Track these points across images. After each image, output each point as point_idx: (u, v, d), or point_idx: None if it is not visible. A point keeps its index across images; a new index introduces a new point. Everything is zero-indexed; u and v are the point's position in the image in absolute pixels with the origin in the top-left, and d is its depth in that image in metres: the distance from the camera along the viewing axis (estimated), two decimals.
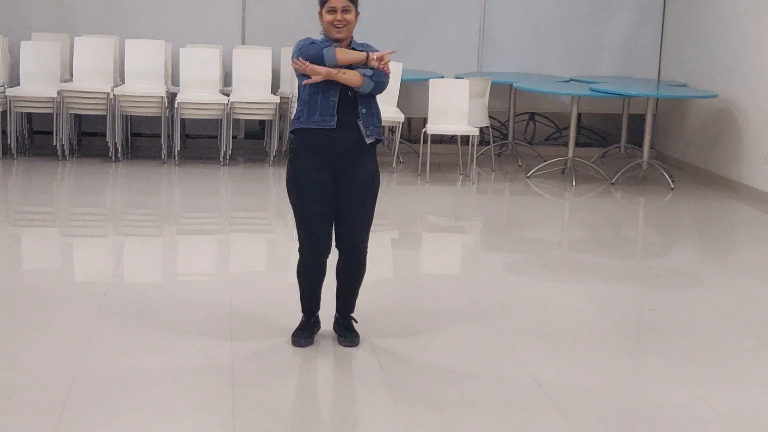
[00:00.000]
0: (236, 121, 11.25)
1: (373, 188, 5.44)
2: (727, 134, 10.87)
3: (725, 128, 10.92)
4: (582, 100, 10.99)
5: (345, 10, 5.27)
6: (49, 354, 5.28)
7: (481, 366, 5.37)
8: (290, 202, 5.44)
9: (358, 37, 5.45)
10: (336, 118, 5.24)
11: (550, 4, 12.25)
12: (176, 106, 10.49)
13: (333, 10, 5.27)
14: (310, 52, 5.23)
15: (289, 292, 5.83)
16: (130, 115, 10.91)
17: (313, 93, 5.26)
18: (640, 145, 11.33)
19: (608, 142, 12.72)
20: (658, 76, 12.34)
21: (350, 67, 5.24)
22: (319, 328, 5.64)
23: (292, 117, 5.44)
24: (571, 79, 11.80)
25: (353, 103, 5.29)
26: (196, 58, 10.86)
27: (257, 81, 10.87)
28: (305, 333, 5.56)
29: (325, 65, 5.20)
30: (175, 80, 11.13)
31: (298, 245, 5.46)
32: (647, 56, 12.46)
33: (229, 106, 10.55)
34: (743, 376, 5.42)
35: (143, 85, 10.76)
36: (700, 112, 11.55)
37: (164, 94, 10.57)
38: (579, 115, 11.34)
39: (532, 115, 13.03)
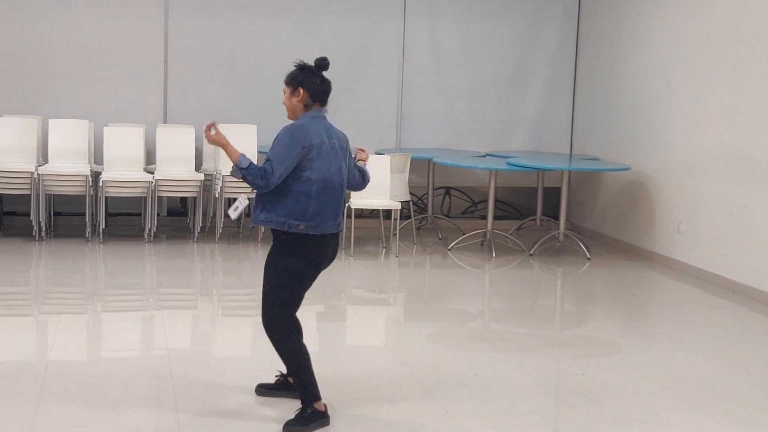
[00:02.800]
0: (159, 198, 11.30)
1: (270, 266, 5.43)
2: (640, 205, 11.23)
3: (638, 200, 11.28)
4: (498, 174, 11.27)
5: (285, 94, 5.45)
6: None
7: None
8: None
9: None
10: None
11: (464, 83, 12.61)
12: (101, 184, 10.52)
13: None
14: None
15: (226, 365, 5.90)
16: (53, 194, 10.92)
17: None
18: (555, 217, 11.65)
19: (522, 214, 13.02)
20: (571, 150, 12.70)
21: None
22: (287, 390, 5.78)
23: None
24: (487, 154, 12.11)
25: None
26: (120, 137, 10.93)
27: (181, 158, 10.98)
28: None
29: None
30: (98, 159, 11.18)
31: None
32: (559, 131, 12.87)
33: (154, 183, 10.63)
34: None
35: (67, 164, 10.79)
36: (613, 184, 11.92)
37: (88, 173, 10.61)
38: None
39: (448, 190, 13.29)
